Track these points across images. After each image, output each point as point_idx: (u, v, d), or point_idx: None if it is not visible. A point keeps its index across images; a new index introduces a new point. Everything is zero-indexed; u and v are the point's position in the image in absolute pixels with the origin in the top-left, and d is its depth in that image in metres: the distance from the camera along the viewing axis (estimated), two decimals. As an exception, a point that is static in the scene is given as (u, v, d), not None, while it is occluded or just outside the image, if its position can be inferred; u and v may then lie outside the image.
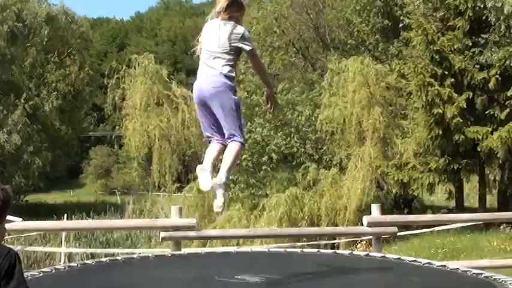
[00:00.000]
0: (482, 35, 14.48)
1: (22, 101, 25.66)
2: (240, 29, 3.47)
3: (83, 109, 34.59)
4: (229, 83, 3.42)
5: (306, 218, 15.22)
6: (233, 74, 3.45)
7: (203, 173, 3.46)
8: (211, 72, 3.41)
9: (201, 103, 3.46)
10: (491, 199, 17.86)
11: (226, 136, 3.49)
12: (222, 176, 3.46)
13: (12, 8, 26.26)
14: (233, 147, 3.48)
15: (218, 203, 3.48)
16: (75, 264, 3.95)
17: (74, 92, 29.83)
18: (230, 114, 3.45)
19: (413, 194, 17.55)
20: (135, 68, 20.32)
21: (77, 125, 32.21)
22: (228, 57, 3.43)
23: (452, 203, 18.56)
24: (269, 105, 3.77)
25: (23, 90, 26.18)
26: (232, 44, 3.43)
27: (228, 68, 3.42)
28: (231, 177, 17.78)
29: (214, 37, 3.47)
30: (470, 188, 19.30)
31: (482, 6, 14.15)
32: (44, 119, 27.78)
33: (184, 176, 23.66)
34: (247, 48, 3.49)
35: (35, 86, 28.34)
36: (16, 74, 27.05)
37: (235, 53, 3.47)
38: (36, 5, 28.46)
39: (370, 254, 4.87)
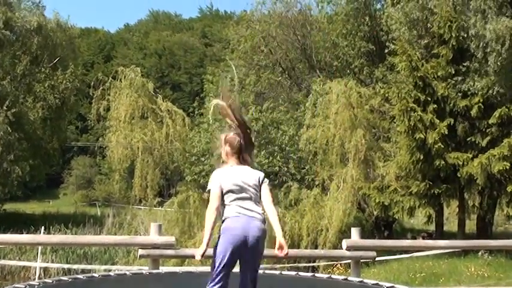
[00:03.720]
0: (464, 64, 14.78)
1: (4, 108, 25.39)
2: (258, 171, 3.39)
3: (67, 119, 34.33)
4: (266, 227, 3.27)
5: (287, 237, 15.20)
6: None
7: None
8: (255, 216, 3.23)
9: (241, 246, 3.19)
10: (471, 224, 18.05)
11: (248, 279, 3.28)
12: None
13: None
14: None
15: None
16: (50, 281, 3.90)
17: (60, 101, 29.61)
18: (258, 264, 3.33)
19: (394, 217, 17.67)
20: (121, 80, 20.23)
21: (60, 134, 31.90)
22: (258, 196, 3.31)
23: (432, 227, 18.72)
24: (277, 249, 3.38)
25: (5, 98, 25.92)
26: (260, 178, 3.34)
27: (262, 210, 3.29)
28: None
29: (249, 179, 3.30)
30: (450, 212, 19.51)
31: (465, 35, 14.48)
32: (27, 127, 27.48)
33: (166, 190, 23.53)
34: (266, 180, 3.38)
35: (22, 94, 28.08)
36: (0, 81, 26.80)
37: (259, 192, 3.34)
38: (27, 14, 28.33)
39: (349, 278, 4.87)
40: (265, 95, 20.63)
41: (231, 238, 3.16)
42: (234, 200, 3.24)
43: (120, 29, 68.74)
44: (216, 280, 3.20)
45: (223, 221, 3.24)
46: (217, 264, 3.20)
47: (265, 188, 3.32)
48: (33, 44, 27.57)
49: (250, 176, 3.30)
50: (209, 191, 3.29)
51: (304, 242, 15.19)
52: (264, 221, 3.24)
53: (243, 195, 3.25)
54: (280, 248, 3.28)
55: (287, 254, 3.32)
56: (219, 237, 3.22)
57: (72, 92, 30.34)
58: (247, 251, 3.18)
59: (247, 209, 3.22)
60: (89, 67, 51.42)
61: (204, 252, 3.19)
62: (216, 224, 3.25)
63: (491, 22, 13.57)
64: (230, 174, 3.29)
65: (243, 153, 3.35)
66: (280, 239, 3.28)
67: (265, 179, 3.34)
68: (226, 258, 3.17)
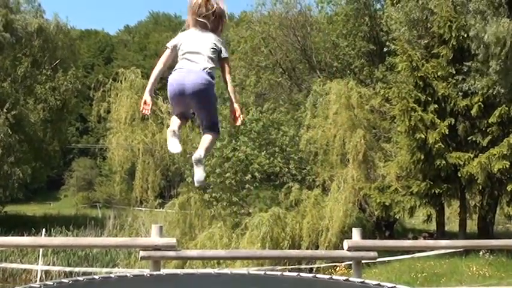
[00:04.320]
0: (465, 63, 14.78)
1: (5, 110, 25.42)
2: (217, 38, 3.62)
3: (68, 120, 34.37)
4: (212, 80, 3.51)
5: (288, 238, 15.20)
6: (214, 74, 3.54)
7: (174, 137, 3.56)
8: (195, 68, 3.48)
9: (179, 94, 3.51)
10: (472, 223, 18.04)
11: (204, 126, 3.62)
12: (201, 152, 3.54)
13: (-1, 18, 26.20)
14: (212, 135, 3.62)
15: (200, 178, 3.59)
16: (51, 283, 3.89)
17: (61, 103, 29.65)
18: (212, 108, 3.60)
19: (395, 217, 17.66)
20: (121, 82, 20.24)
21: (61, 136, 31.92)
22: (211, 57, 3.53)
23: (433, 227, 18.71)
24: (233, 118, 3.71)
25: (6, 100, 25.95)
26: (217, 45, 3.57)
27: (211, 66, 3.50)
28: (214, 195, 17.74)
29: (198, 39, 3.56)
30: (451, 212, 19.50)
31: (465, 35, 14.48)
32: (27, 129, 27.51)
33: (167, 191, 23.55)
34: (226, 54, 3.62)
35: (23, 96, 28.11)
36: (0, 82, 26.82)
37: (215, 57, 3.57)
38: (27, 16, 28.38)
39: (350, 279, 4.87)
40: (265, 96, 20.65)
41: (170, 89, 3.52)
42: (184, 54, 3.52)
43: (120, 30, 68.88)
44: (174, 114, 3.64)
45: None
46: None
47: (225, 61, 3.58)
48: (33, 47, 27.63)
49: (209, 40, 3.53)
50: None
51: (305, 242, 15.18)
52: (210, 75, 3.46)
53: (193, 50, 3.50)
54: (234, 115, 3.62)
55: (242, 120, 3.64)
56: None
57: (72, 94, 30.38)
58: (191, 100, 3.49)
59: (192, 62, 3.48)
60: (89, 69, 51.48)
61: (145, 100, 3.58)
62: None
63: (491, 24, 13.56)
64: (190, 35, 3.58)
65: (205, 20, 3.54)
66: (234, 106, 3.60)
67: (226, 54, 3.60)
68: (174, 107, 3.64)
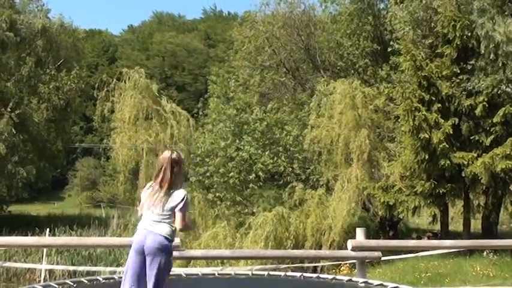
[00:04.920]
0: (469, 62, 14.73)
1: (8, 110, 25.49)
2: (182, 193, 3.87)
3: (71, 120, 34.45)
4: (169, 244, 3.80)
5: (292, 237, 15.19)
6: (173, 235, 3.83)
7: None
8: (157, 232, 3.77)
9: (139, 252, 3.78)
10: (476, 223, 17.99)
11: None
12: None
13: (3, 17, 26.25)
14: None
15: None
16: (55, 285, 3.90)
17: (65, 103, 29.73)
18: (161, 274, 3.77)
19: (399, 217, 17.63)
20: (125, 82, 20.25)
21: (65, 135, 31.99)
22: (170, 220, 3.82)
23: (437, 226, 18.67)
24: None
25: (10, 100, 26.03)
26: (175, 209, 3.83)
27: (170, 230, 3.80)
28: (217, 194, 17.71)
29: (158, 202, 3.83)
30: (455, 211, 19.45)
31: (469, 34, 14.43)
32: (31, 128, 27.58)
33: (171, 191, 23.50)
34: (182, 210, 3.84)
35: (26, 95, 28.20)
36: (3, 82, 26.91)
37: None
38: (30, 16, 28.47)
39: (353, 279, 4.87)
40: (269, 96, 20.63)
41: (133, 246, 3.81)
42: (144, 213, 3.86)
43: (124, 30, 68.96)
44: (124, 282, 3.79)
45: None
46: (125, 269, 3.85)
47: (178, 214, 3.82)
48: (37, 46, 27.70)
49: (166, 200, 3.82)
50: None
51: (308, 242, 15.17)
52: (167, 237, 3.77)
53: (151, 210, 3.81)
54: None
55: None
56: None
57: (76, 94, 30.45)
58: (147, 261, 3.75)
59: (150, 222, 3.80)
60: (93, 69, 51.59)
61: None
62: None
63: (499, 23, 13.51)
64: (150, 192, 3.88)
65: (167, 178, 3.82)
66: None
67: (180, 207, 3.81)
68: (130, 263, 3.79)
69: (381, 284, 4.37)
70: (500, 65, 13.84)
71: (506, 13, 13.86)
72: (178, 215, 3.77)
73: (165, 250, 3.74)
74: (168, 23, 66.74)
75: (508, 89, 14.11)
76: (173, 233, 3.80)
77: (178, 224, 3.78)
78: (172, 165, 3.82)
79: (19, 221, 25.89)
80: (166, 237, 3.74)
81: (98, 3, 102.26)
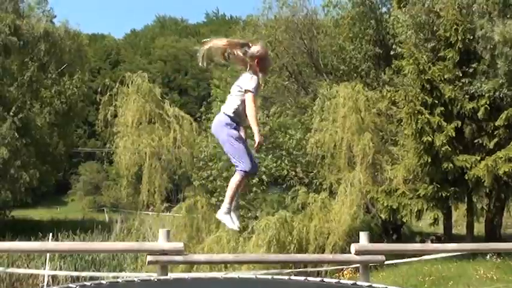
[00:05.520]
0: (472, 66, 14.74)
1: (11, 114, 25.57)
2: (248, 75, 3.98)
3: (74, 124, 34.53)
4: (225, 119, 3.94)
5: (295, 241, 15.17)
6: (233, 110, 3.95)
7: (228, 214, 4.04)
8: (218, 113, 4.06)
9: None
10: (479, 226, 17.96)
11: None
12: (224, 205, 4.02)
13: (6, 21, 26.36)
14: (235, 176, 3.97)
15: (232, 228, 4.07)
16: (61, 289, 3.90)
17: (67, 107, 29.82)
18: (227, 147, 3.95)
19: (402, 220, 17.60)
20: (128, 86, 20.27)
21: (67, 140, 32.07)
22: (235, 98, 4.00)
23: (440, 230, 18.64)
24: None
25: (12, 104, 26.11)
26: (241, 84, 4.00)
27: (230, 107, 3.98)
28: (220, 198, 17.71)
29: (238, 84, 4.06)
30: (459, 215, 19.42)
31: (471, 37, 14.45)
32: (34, 133, 27.66)
33: (174, 195, 23.55)
34: (246, 87, 3.95)
35: (29, 100, 28.29)
36: (6, 86, 27.01)
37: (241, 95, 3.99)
38: (34, 21, 28.59)
39: (358, 283, 4.86)
40: (272, 99, 20.64)
41: None
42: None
43: (126, 34, 69.15)
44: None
45: None
46: None
47: (246, 98, 3.93)
48: (40, 51, 27.82)
49: (239, 81, 4.01)
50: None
51: (311, 246, 15.15)
52: (225, 114, 3.98)
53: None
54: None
55: (258, 145, 3.90)
56: None
57: (79, 98, 30.55)
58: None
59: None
60: (96, 73, 51.72)
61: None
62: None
63: (498, 25, 13.54)
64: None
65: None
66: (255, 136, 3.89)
67: (247, 90, 3.92)
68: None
69: (385, 288, 4.36)
70: (498, 67, 13.85)
71: (508, 16, 13.88)
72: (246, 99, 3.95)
73: (219, 125, 3.94)
74: (171, 27, 66.94)
75: (509, 92, 14.11)
76: (237, 107, 3.93)
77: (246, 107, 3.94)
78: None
79: (22, 226, 25.94)
80: (223, 112, 3.97)
81: (101, 8, 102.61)
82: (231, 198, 3.96)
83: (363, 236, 6.02)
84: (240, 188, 4.06)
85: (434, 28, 15.46)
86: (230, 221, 3.96)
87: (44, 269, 14.84)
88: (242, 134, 4.04)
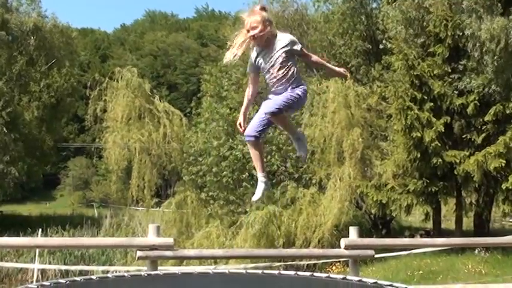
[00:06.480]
0: (461, 62, 14.82)
1: (-1, 108, 25.36)
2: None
3: (63, 119, 34.30)
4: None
5: (283, 235, 15.22)
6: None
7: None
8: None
9: None
10: (468, 221, 18.11)
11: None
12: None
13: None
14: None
15: (254, 196, 3.78)
16: (48, 284, 3.88)
17: (56, 101, 29.62)
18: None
19: (392, 215, 17.70)
20: (117, 81, 20.18)
21: (56, 134, 31.87)
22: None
23: (429, 224, 18.77)
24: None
25: (0, 98, 25.86)
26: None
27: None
28: (210, 193, 17.69)
29: None
30: (448, 209, 19.57)
31: (461, 34, 14.52)
32: (22, 127, 27.44)
33: (164, 190, 23.51)
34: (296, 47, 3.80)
35: (17, 94, 28.05)
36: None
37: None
38: (23, 15, 28.31)
39: (347, 277, 4.88)
40: (262, 95, 20.58)
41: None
42: None
43: (116, 29, 68.74)
44: None
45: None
46: None
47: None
48: (29, 45, 27.57)
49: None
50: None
51: (299, 240, 15.20)
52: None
53: None
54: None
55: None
56: None
57: (67, 91, 30.35)
58: None
59: None
60: (85, 67, 51.39)
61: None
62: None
63: (485, 22, 13.61)
64: None
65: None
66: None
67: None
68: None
69: (375, 282, 4.38)
70: (486, 63, 13.94)
71: (495, 13, 13.96)
72: None
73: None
74: (161, 22, 66.63)
75: (498, 88, 14.21)
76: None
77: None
78: None
79: (11, 221, 25.75)
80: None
81: (91, 2, 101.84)
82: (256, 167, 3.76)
83: (353, 231, 6.04)
84: (257, 155, 3.85)
85: (424, 24, 15.51)
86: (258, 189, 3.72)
87: (33, 264, 14.76)
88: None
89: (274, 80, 3.66)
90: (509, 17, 13.79)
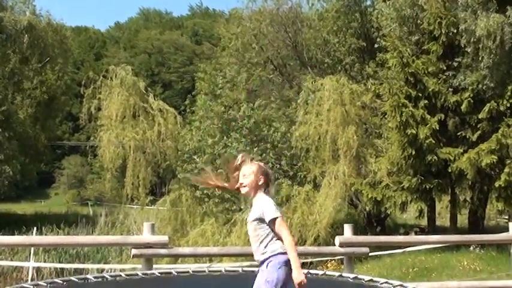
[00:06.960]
0: (455, 59, 14.85)
1: (-8, 106, 25.24)
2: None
3: (57, 117, 34.18)
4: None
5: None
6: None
7: None
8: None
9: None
10: (463, 218, 18.18)
11: None
12: None
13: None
14: None
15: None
16: (44, 284, 3.87)
17: (49, 99, 29.52)
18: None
19: (387, 212, 17.74)
20: (112, 79, 20.14)
21: (50, 133, 31.77)
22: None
23: (424, 222, 18.83)
24: None
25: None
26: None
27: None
28: (205, 191, 17.67)
29: None
30: (442, 206, 19.64)
31: (455, 31, 14.56)
32: (16, 125, 27.33)
33: (159, 189, 23.47)
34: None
35: (11, 93, 27.93)
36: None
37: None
38: (16, 14, 28.18)
39: (343, 274, 4.90)
40: (257, 93, 20.60)
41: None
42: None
43: (110, 27, 68.53)
44: None
45: (282, 253, 3.33)
46: None
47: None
48: (23, 43, 27.46)
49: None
50: (276, 218, 3.35)
51: (294, 238, 15.18)
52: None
53: None
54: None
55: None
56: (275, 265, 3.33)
57: (61, 89, 30.26)
58: None
59: None
60: (79, 65, 51.23)
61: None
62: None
63: (481, 18, 13.64)
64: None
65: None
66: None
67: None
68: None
69: (371, 279, 4.40)
70: (482, 60, 13.97)
71: (490, 9, 14.00)
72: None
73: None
74: (155, 20, 66.49)
75: (492, 85, 14.25)
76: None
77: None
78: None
79: (5, 219, 25.66)
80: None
81: (85, 0, 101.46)
82: None
83: (347, 228, 6.06)
84: None
85: (418, 21, 15.53)
86: None
87: (29, 261, 14.71)
88: None
89: (252, 234, 3.46)
90: (505, 14, 13.83)
